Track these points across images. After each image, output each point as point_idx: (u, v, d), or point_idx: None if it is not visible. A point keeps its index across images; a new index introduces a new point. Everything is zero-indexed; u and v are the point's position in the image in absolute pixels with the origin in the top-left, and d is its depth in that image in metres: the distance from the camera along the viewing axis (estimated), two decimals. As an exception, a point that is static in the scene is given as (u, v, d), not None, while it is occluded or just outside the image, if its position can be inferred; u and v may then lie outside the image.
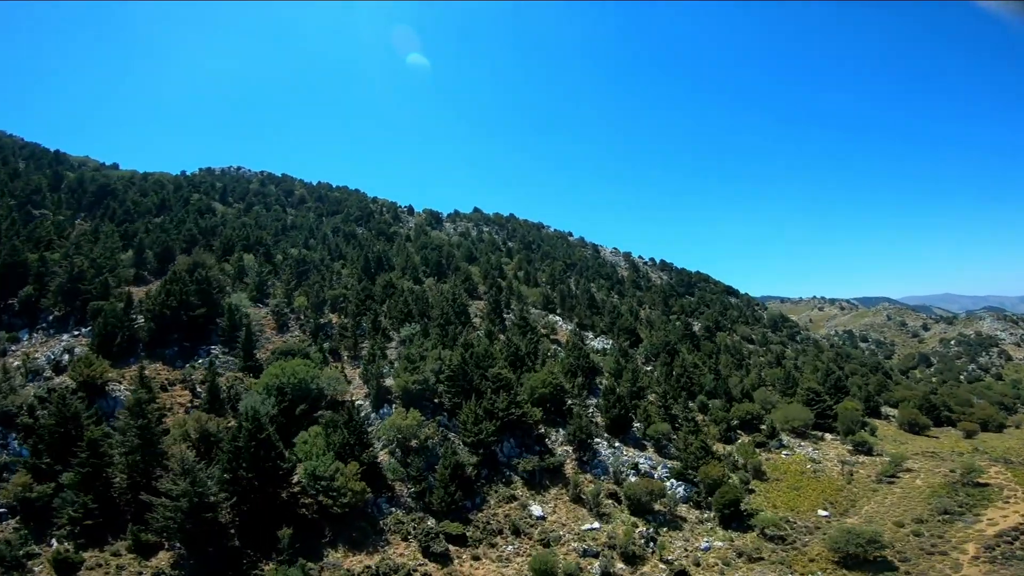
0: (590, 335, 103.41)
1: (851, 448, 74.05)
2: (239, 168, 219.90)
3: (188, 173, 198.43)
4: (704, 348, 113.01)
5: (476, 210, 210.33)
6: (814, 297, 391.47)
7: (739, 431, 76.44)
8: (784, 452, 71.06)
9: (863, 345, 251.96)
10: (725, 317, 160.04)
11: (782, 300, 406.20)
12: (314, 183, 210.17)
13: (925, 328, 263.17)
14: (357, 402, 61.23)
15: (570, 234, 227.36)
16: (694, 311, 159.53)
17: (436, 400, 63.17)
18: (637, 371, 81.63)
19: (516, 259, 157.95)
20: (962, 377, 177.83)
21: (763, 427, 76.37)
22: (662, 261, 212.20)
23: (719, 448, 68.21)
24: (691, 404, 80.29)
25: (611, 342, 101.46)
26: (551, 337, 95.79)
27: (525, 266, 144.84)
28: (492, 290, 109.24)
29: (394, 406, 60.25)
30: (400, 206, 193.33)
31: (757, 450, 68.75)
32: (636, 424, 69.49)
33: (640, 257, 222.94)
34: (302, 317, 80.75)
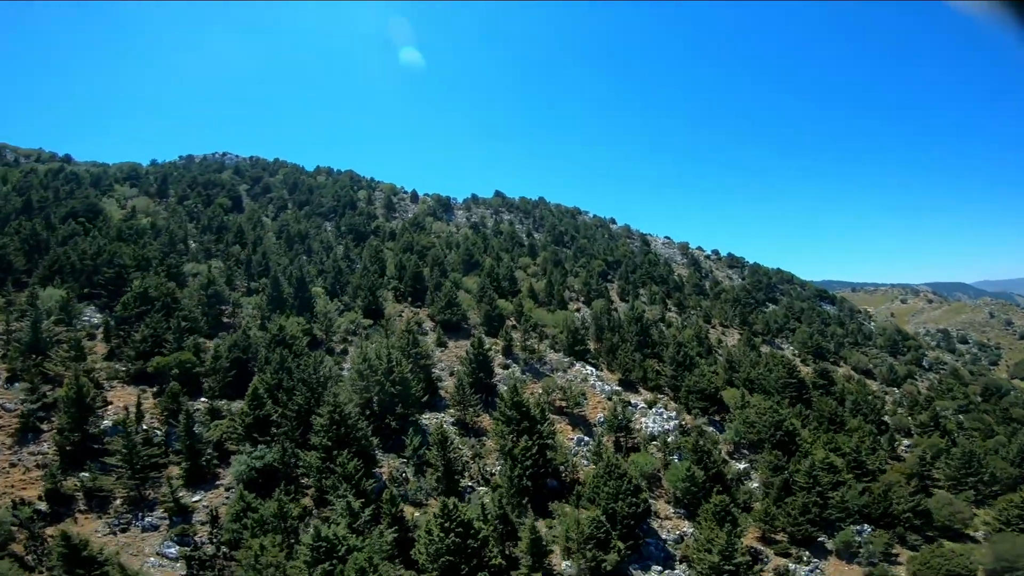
0: (640, 401, 64.87)
1: None
2: (224, 154, 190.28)
3: (160, 162, 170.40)
4: (820, 406, 72.39)
5: (497, 194, 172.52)
6: (893, 286, 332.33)
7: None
8: None
9: (962, 347, 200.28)
10: (827, 336, 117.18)
11: (854, 289, 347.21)
12: (308, 167, 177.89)
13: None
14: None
15: (612, 221, 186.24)
16: (782, 327, 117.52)
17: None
18: (729, 518, 43.01)
19: (541, 257, 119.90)
20: None
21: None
22: (730, 256, 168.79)
23: None
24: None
25: (673, 412, 62.93)
26: (574, 411, 58.18)
27: (550, 270, 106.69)
28: (486, 320, 72.32)
29: None
30: (403, 191, 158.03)
31: None
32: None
33: (700, 249, 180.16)
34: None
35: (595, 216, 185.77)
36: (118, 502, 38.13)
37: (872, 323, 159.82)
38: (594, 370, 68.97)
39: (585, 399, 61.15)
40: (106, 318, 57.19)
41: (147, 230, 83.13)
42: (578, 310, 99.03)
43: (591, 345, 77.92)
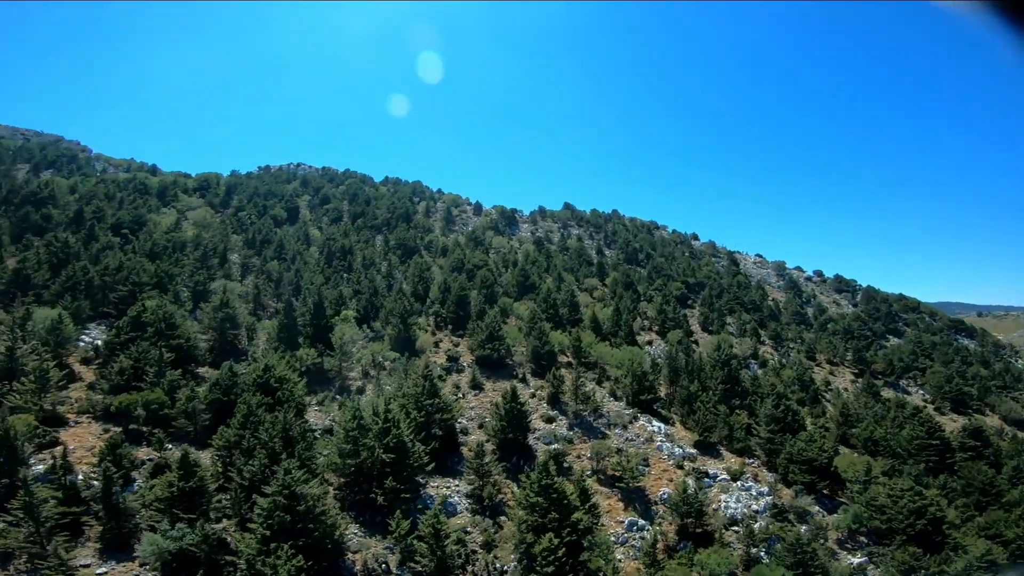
0: (722, 469, 49.95)
1: None
2: (298, 165, 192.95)
3: (240, 172, 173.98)
4: (969, 474, 53.63)
5: (567, 207, 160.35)
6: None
7: None
8: None
9: None
10: (967, 378, 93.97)
11: (980, 313, 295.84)
12: (377, 178, 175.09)
13: None
14: None
15: (694, 237, 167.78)
16: (908, 367, 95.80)
17: None
18: None
19: (611, 277, 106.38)
20: None
21: None
22: (837, 278, 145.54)
23: None
24: None
25: (765, 487, 47.57)
26: (630, 484, 44.55)
27: (620, 294, 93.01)
28: (533, 357, 60.33)
29: None
30: (467, 202, 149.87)
31: None
32: None
33: (799, 270, 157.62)
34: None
35: (674, 231, 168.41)
36: (22, 559, 30.67)
37: (1021, 360, 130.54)
38: (663, 426, 54.76)
39: (647, 466, 47.38)
40: (106, 341, 51.28)
41: (186, 243, 79.01)
42: (650, 343, 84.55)
43: (662, 389, 63.59)
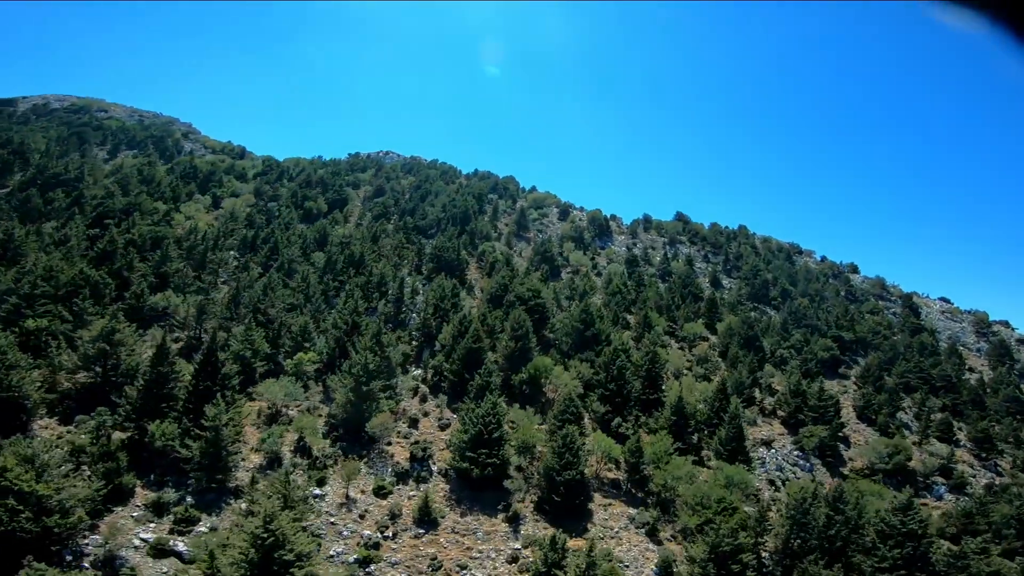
0: None
1: None
2: (387, 152, 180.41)
3: (325, 159, 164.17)
4: None
5: (679, 218, 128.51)
6: None
7: None
8: None
9: None
10: None
11: None
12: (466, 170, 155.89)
13: None
14: None
15: (852, 269, 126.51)
16: None
17: None
18: None
19: (725, 324, 76.04)
20: None
21: None
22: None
23: None
24: None
25: None
26: None
27: (736, 356, 63.19)
28: (547, 481, 34.42)
29: None
30: (558, 203, 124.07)
31: None
32: None
33: (1007, 326, 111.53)
34: None
35: (823, 259, 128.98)
36: None
37: None
38: None
39: None
40: None
41: (164, 237, 63.26)
42: (769, 444, 54.61)
43: (769, 545, 34.54)
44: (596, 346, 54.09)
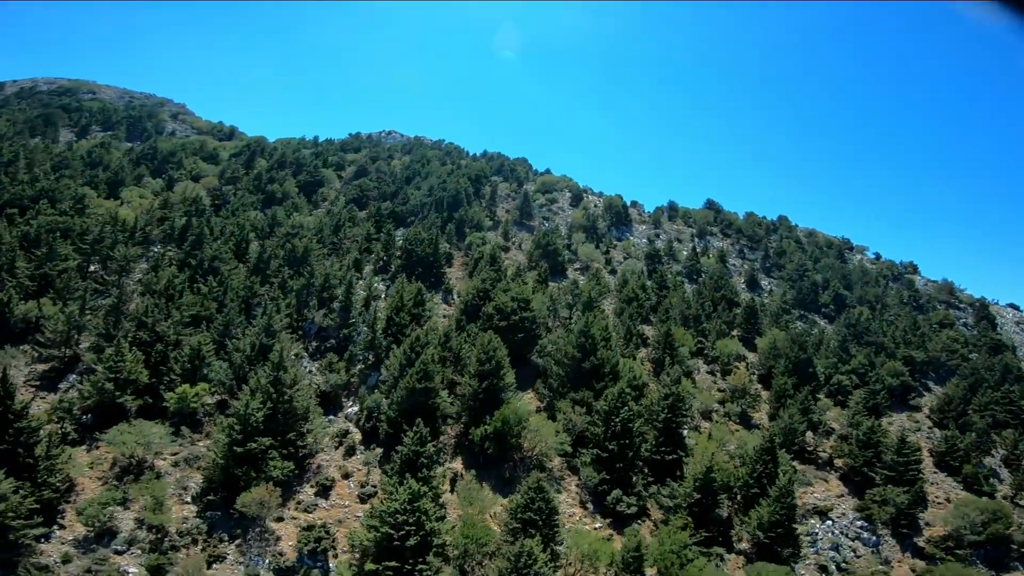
0: None
1: None
2: (389, 132, 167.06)
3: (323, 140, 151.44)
4: None
5: (710, 206, 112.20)
6: None
7: None
8: None
9: None
10: None
11: None
12: (475, 151, 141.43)
13: None
14: None
15: (912, 269, 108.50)
16: None
17: None
18: None
19: (767, 340, 61.29)
20: None
21: None
22: None
23: None
24: None
25: None
26: None
27: (784, 389, 48.57)
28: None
29: None
30: (576, 186, 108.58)
31: None
32: None
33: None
34: None
35: (876, 257, 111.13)
36: None
37: None
38: None
39: None
40: None
41: (80, 230, 51.04)
42: (826, 514, 40.41)
43: None
44: (598, 381, 39.90)
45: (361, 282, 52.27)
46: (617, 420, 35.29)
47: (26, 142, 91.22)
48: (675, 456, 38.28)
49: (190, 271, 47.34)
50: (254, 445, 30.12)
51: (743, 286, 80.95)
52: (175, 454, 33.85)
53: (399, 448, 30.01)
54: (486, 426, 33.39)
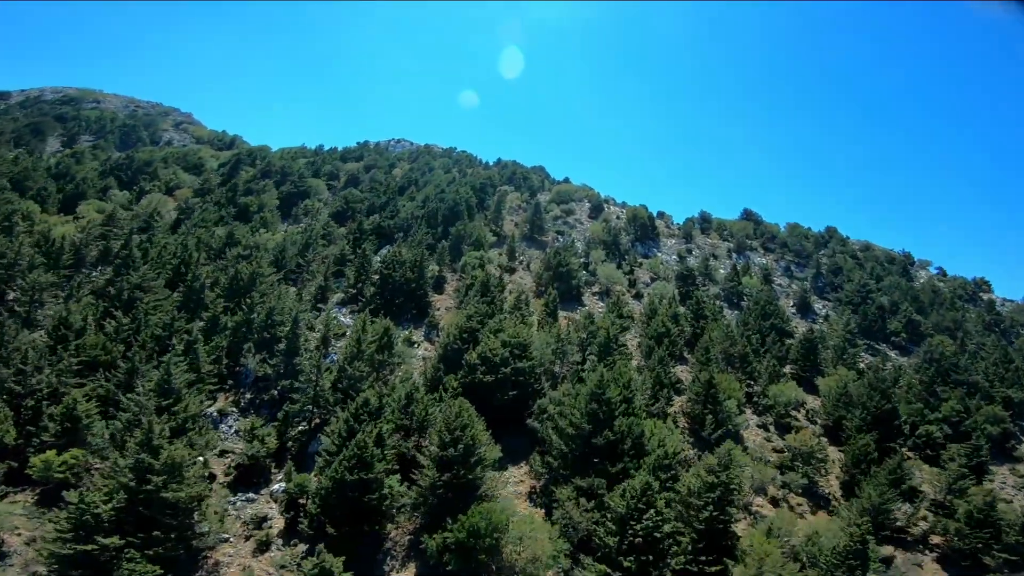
0: None
1: None
2: (398, 141, 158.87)
3: (329, 148, 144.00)
4: None
5: (747, 216, 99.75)
6: None
7: None
8: None
9: None
10: None
11: None
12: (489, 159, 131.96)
13: None
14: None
15: (983, 285, 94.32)
16: None
17: None
18: None
19: (830, 382, 48.89)
20: None
21: None
22: None
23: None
24: None
25: None
26: None
27: (863, 450, 36.57)
28: None
29: None
30: (589, 196, 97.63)
31: None
32: None
33: None
34: None
35: (942, 273, 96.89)
36: None
37: None
38: None
39: None
40: None
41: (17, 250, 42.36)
42: None
43: None
44: (614, 461, 28.70)
45: (321, 316, 42.11)
46: (639, 528, 24.10)
47: (26, 151, 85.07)
48: (720, 567, 26.94)
49: (106, 303, 38.08)
50: (93, 547, 20.33)
51: (793, 310, 68.53)
52: (37, 528, 24.82)
53: (316, 555, 19.50)
54: (446, 533, 22.69)
